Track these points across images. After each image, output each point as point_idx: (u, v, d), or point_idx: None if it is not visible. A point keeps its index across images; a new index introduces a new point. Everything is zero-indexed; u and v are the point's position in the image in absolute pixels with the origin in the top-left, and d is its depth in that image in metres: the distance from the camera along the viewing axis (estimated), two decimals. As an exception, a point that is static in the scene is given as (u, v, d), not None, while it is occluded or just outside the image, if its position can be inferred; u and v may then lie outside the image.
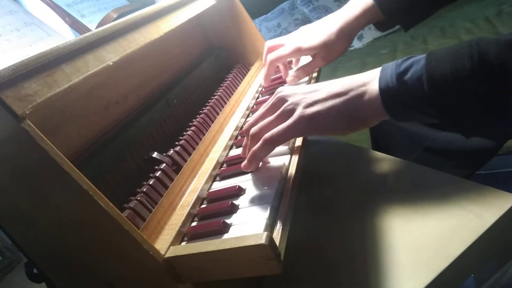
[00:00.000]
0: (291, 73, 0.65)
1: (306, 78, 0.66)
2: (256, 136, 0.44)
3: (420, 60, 0.38)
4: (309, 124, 0.42)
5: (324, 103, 0.42)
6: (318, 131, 0.43)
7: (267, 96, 0.66)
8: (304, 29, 0.66)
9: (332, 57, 0.63)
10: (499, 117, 0.35)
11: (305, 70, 0.64)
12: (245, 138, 0.47)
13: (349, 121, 0.42)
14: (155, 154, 0.50)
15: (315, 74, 0.66)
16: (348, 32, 0.61)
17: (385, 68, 0.40)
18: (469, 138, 0.40)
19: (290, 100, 0.44)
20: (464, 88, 0.35)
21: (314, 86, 0.45)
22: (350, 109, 0.41)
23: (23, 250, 0.40)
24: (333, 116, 0.42)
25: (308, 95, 0.44)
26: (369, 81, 0.41)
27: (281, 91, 0.46)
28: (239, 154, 0.49)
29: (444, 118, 0.37)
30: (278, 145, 0.44)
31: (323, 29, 0.62)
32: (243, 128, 0.48)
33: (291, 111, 0.43)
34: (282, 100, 0.45)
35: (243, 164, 0.45)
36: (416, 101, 0.38)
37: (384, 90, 0.39)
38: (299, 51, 0.63)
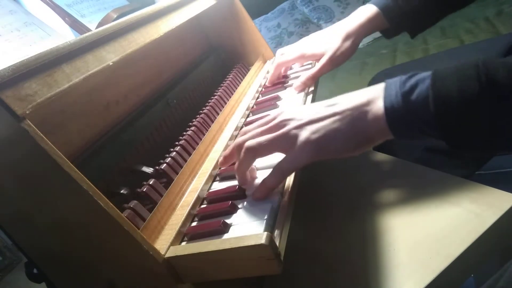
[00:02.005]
0: (297, 75, 0.66)
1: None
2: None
3: (425, 79, 0.36)
4: (317, 151, 0.40)
5: (329, 127, 0.40)
6: (325, 156, 0.41)
7: (267, 97, 0.66)
8: (312, 36, 0.69)
9: (338, 62, 0.64)
10: (506, 141, 0.34)
11: (311, 76, 0.64)
12: (236, 154, 0.44)
13: (356, 144, 0.40)
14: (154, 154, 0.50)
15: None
16: (353, 38, 0.62)
17: (389, 86, 0.39)
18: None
19: (292, 125, 0.42)
20: (472, 110, 0.33)
21: (315, 108, 0.42)
22: (356, 132, 0.40)
23: (23, 250, 0.40)
24: (339, 140, 0.40)
25: (310, 119, 0.41)
26: (373, 99, 0.39)
27: (280, 113, 0.44)
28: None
29: (450, 141, 0.36)
30: (288, 175, 0.42)
31: (328, 35, 0.64)
32: (234, 143, 0.45)
33: (293, 138, 0.41)
34: (282, 126, 0.42)
35: (253, 194, 0.41)
36: (422, 123, 0.36)
37: (390, 110, 0.38)
38: (303, 57, 0.66)
